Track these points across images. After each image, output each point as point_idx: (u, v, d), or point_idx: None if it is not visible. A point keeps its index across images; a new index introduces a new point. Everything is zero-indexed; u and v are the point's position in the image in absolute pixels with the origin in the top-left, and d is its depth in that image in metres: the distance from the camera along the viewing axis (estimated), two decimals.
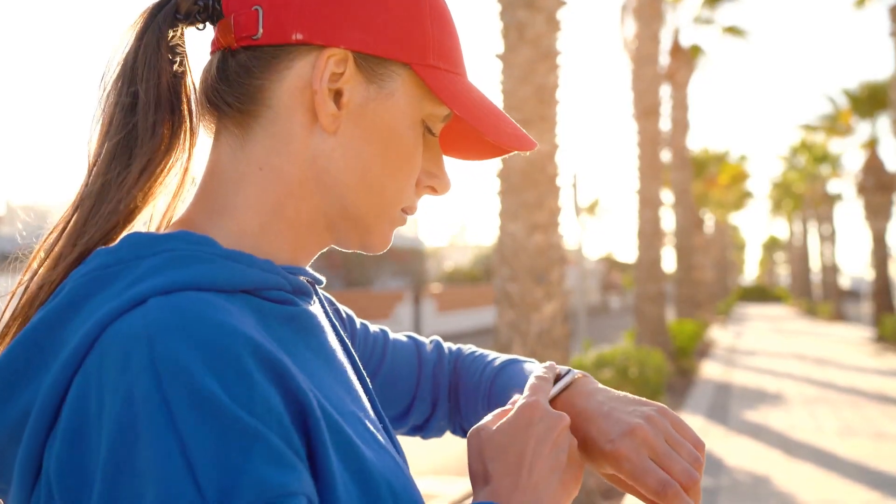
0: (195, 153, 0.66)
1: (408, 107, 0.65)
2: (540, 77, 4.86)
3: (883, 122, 20.73)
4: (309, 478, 0.53)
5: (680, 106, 15.52)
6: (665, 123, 14.06)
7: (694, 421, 7.71)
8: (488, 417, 0.69)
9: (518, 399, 0.69)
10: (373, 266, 21.58)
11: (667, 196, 15.74)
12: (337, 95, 0.63)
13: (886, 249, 19.82)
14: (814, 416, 8.01)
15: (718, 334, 19.81)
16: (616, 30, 12.92)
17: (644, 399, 0.72)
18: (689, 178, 15.39)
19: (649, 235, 10.83)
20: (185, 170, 0.66)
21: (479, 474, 0.65)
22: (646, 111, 11.01)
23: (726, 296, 34.73)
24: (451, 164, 0.73)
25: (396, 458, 0.64)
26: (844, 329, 22.07)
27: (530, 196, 4.81)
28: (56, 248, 0.61)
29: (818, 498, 5.06)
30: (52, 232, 0.63)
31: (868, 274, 20.48)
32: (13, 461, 0.54)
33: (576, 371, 0.75)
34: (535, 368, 0.80)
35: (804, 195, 31.57)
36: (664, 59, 14.11)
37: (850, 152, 29.94)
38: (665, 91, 14.47)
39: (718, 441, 6.81)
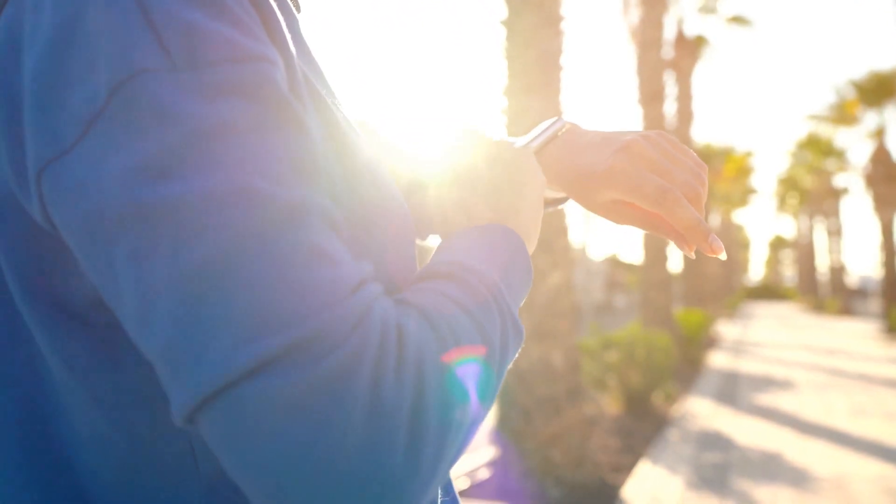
0: None
1: None
2: (544, 42, 4.78)
3: (890, 111, 20.61)
4: (283, 66, 0.45)
5: (684, 95, 15.43)
6: (669, 113, 13.96)
7: (703, 404, 7.61)
8: None
9: None
10: None
11: None
12: None
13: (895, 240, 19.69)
14: (824, 400, 7.90)
15: (725, 329, 19.68)
16: (620, 18, 12.85)
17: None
18: None
19: None
20: None
21: None
22: (650, 96, 10.93)
23: (732, 294, 34.59)
24: None
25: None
26: (853, 323, 21.91)
27: None
28: None
29: (832, 471, 4.96)
30: None
31: (875, 272, 20.38)
32: None
33: (564, 120, 0.68)
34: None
35: (810, 190, 31.44)
36: (668, 47, 14.03)
37: (856, 146, 29.89)
38: (669, 81, 14.39)
39: (728, 421, 6.70)
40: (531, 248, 0.58)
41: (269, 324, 0.36)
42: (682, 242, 0.61)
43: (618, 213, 0.64)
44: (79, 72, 0.40)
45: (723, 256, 0.59)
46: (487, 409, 0.45)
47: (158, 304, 0.37)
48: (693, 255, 0.62)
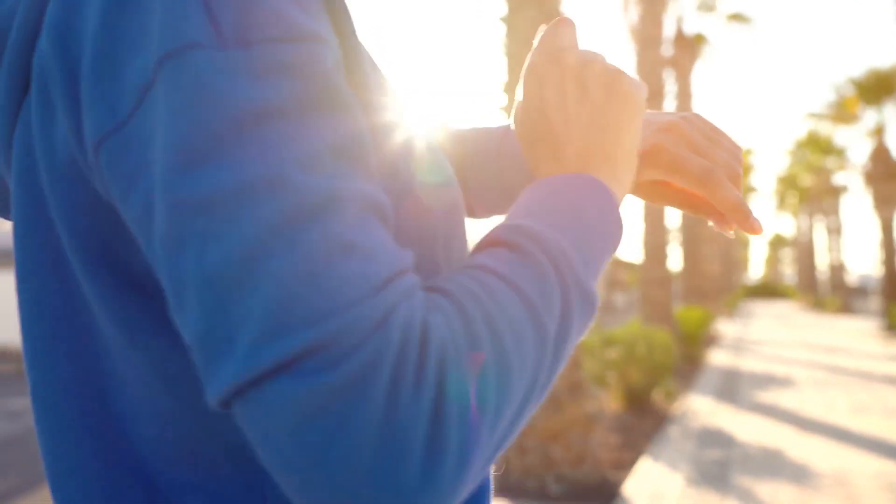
0: None
1: None
2: None
3: (890, 109, 20.60)
4: (336, 44, 0.44)
5: (684, 94, 15.44)
6: (669, 111, 13.95)
7: (703, 401, 7.60)
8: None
9: None
10: None
11: None
12: None
13: (895, 238, 19.68)
14: (824, 397, 7.90)
15: (725, 327, 19.68)
16: (620, 15, 12.85)
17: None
18: None
19: (654, 216, 10.74)
20: None
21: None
22: (650, 94, 10.93)
23: (732, 292, 34.58)
24: None
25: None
26: (852, 321, 21.91)
27: None
28: None
29: (832, 468, 4.96)
30: None
31: (875, 270, 20.37)
32: None
33: None
34: None
35: (810, 188, 31.45)
36: (668, 45, 14.04)
37: (856, 144, 29.91)
38: (669, 79, 14.40)
39: (729, 418, 6.70)
40: (622, 197, 0.53)
41: (289, 322, 0.35)
42: (721, 222, 0.61)
43: (655, 193, 0.64)
44: (132, 40, 0.40)
45: (762, 235, 0.59)
46: (539, 397, 0.42)
47: (189, 296, 0.37)
48: (732, 235, 0.62)
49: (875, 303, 25.54)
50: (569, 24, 0.57)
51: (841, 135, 25.05)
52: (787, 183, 35.18)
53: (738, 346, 13.85)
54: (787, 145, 35.14)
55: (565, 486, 4.47)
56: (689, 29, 17.26)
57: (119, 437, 0.48)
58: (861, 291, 42.56)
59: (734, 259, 40.03)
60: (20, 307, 0.51)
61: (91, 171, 0.43)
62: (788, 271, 75.05)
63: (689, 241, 14.97)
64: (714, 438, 5.91)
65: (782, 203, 39.78)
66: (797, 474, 4.81)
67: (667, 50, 12.82)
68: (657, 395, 7.41)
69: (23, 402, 9.85)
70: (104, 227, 0.45)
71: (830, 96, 22.81)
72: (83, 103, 0.42)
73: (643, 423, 6.46)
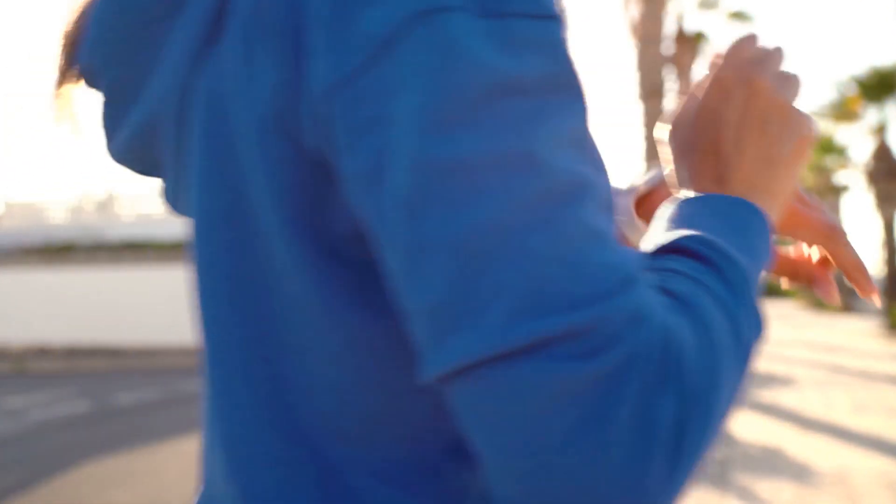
0: None
1: None
2: None
3: (892, 107, 20.58)
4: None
5: (684, 92, 15.44)
6: (669, 109, 14.00)
7: None
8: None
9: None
10: None
11: None
12: None
13: None
14: (825, 396, 7.89)
15: None
16: (621, 12, 12.89)
17: None
18: None
19: None
20: None
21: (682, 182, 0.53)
22: (650, 91, 10.95)
23: None
24: None
25: None
26: (853, 320, 21.90)
27: None
28: None
29: (833, 466, 4.94)
30: None
31: (877, 270, 20.34)
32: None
33: None
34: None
35: (811, 187, 31.49)
36: (668, 44, 14.05)
37: (857, 143, 29.93)
38: (669, 77, 14.41)
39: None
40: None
41: (549, 301, 0.34)
42: (826, 287, 0.58)
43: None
44: None
45: (877, 301, 0.57)
46: (728, 415, 0.42)
47: (432, 260, 0.36)
48: (838, 302, 0.59)
49: (876, 302, 25.48)
50: (755, 40, 0.54)
51: (842, 133, 25.01)
52: None
53: None
54: None
55: None
56: (690, 27, 17.29)
57: (291, 409, 0.46)
58: None
59: None
60: (198, 266, 0.49)
61: (306, 123, 0.41)
62: None
63: None
64: None
65: None
66: (797, 473, 4.80)
67: (667, 48, 12.83)
68: None
69: (22, 401, 9.86)
70: (309, 185, 0.43)
71: (832, 95, 22.70)
72: (312, 51, 0.40)
73: None
